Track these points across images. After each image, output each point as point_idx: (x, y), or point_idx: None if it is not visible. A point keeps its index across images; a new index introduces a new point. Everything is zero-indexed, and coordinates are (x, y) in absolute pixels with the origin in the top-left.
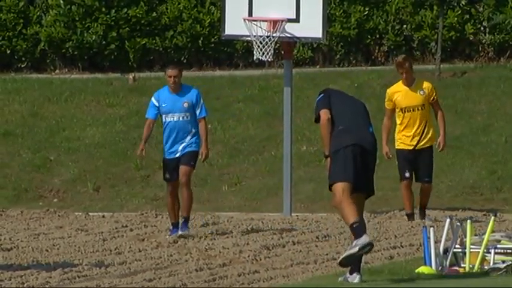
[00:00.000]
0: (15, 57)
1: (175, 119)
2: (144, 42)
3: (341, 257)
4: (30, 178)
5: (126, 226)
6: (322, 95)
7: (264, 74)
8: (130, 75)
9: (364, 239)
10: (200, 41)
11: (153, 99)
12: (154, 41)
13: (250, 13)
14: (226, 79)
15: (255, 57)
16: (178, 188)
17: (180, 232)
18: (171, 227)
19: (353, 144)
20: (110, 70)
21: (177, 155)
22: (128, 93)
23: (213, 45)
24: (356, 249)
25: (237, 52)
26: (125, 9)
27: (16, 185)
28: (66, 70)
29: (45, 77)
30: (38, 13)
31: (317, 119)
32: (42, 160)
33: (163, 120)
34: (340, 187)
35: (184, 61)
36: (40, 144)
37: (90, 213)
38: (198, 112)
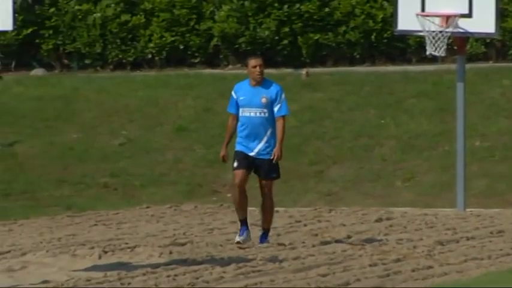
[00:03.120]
0: (189, 52)
1: (251, 114)
2: (316, 37)
3: None
4: (203, 173)
5: (300, 221)
6: None
7: (437, 69)
8: (304, 71)
9: None
10: (373, 36)
11: (232, 92)
12: (326, 36)
13: (422, 8)
14: (399, 74)
15: (427, 53)
16: (245, 182)
17: (241, 239)
18: (239, 226)
19: None
20: (282, 65)
21: (251, 154)
22: (301, 88)
23: (385, 40)
24: None
25: (410, 47)
26: (298, 5)
27: (190, 180)
28: (239, 65)
29: (218, 72)
30: (211, 8)
31: None
32: (216, 155)
33: (240, 114)
34: None
35: (357, 56)
36: (213, 139)
37: None
38: (276, 109)
